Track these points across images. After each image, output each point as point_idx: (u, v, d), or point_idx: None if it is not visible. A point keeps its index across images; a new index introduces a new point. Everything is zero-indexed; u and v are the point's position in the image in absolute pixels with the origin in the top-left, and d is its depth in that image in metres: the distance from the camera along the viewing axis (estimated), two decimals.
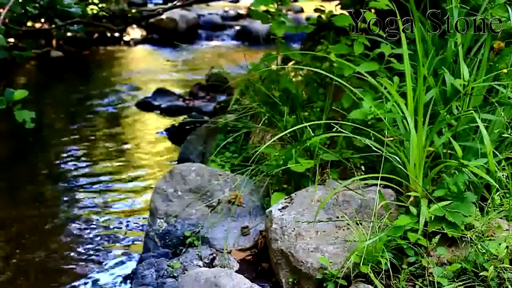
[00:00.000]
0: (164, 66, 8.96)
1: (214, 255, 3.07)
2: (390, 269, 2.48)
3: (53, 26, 8.11)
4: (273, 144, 3.36)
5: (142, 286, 2.95)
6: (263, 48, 6.25)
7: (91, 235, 3.94)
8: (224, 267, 2.95)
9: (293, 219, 2.79)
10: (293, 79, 4.09)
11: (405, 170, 2.74)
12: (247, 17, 11.33)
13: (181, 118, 6.17)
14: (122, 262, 3.60)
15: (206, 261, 3.04)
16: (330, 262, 2.56)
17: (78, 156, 5.34)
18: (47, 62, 8.66)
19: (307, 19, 5.84)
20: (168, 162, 5.15)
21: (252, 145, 3.75)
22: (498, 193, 2.67)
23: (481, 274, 2.42)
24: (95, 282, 3.39)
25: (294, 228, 2.75)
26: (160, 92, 6.94)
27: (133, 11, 9.93)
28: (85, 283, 3.38)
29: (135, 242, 3.83)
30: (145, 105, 6.74)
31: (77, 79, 8.08)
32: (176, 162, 4.78)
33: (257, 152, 3.17)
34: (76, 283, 3.38)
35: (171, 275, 2.97)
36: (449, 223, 2.55)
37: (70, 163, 5.18)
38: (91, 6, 9.02)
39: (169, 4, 10.62)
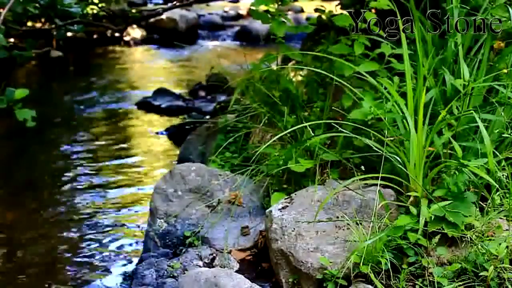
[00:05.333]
0: (164, 66, 8.95)
1: (214, 255, 3.07)
2: (390, 269, 2.47)
3: (53, 26, 8.13)
4: (273, 144, 3.36)
5: (142, 286, 2.95)
6: (263, 48, 6.26)
7: (90, 235, 3.94)
8: (224, 267, 2.95)
9: (293, 219, 2.79)
10: (293, 79, 4.09)
11: (405, 170, 2.74)
12: (247, 17, 11.32)
13: (181, 118, 6.16)
14: (122, 262, 3.60)
15: (206, 261, 3.03)
16: (330, 262, 2.56)
17: (77, 156, 5.34)
18: (47, 62, 8.66)
19: (307, 19, 5.86)
20: (168, 162, 5.15)
21: (252, 145, 3.75)
22: (498, 193, 2.66)
23: (481, 274, 2.42)
24: (95, 282, 3.38)
25: (294, 228, 2.75)
26: (160, 92, 6.93)
27: (133, 11, 9.96)
28: (85, 283, 3.38)
29: (135, 242, 3.83)
30: (145, 105, 6.73)
31: (77, 79, 8.08)
32: (176, 162, 4.78)
33: (257, 152, 3.17)
34: (76, 283, 3.38)
35: (171, 275, 2.97)
36: (449, 223, 2.55)
37: (69, 163, 5.17)
38: (91, 6, 9.04)
39: (169, 4, 10.65)
